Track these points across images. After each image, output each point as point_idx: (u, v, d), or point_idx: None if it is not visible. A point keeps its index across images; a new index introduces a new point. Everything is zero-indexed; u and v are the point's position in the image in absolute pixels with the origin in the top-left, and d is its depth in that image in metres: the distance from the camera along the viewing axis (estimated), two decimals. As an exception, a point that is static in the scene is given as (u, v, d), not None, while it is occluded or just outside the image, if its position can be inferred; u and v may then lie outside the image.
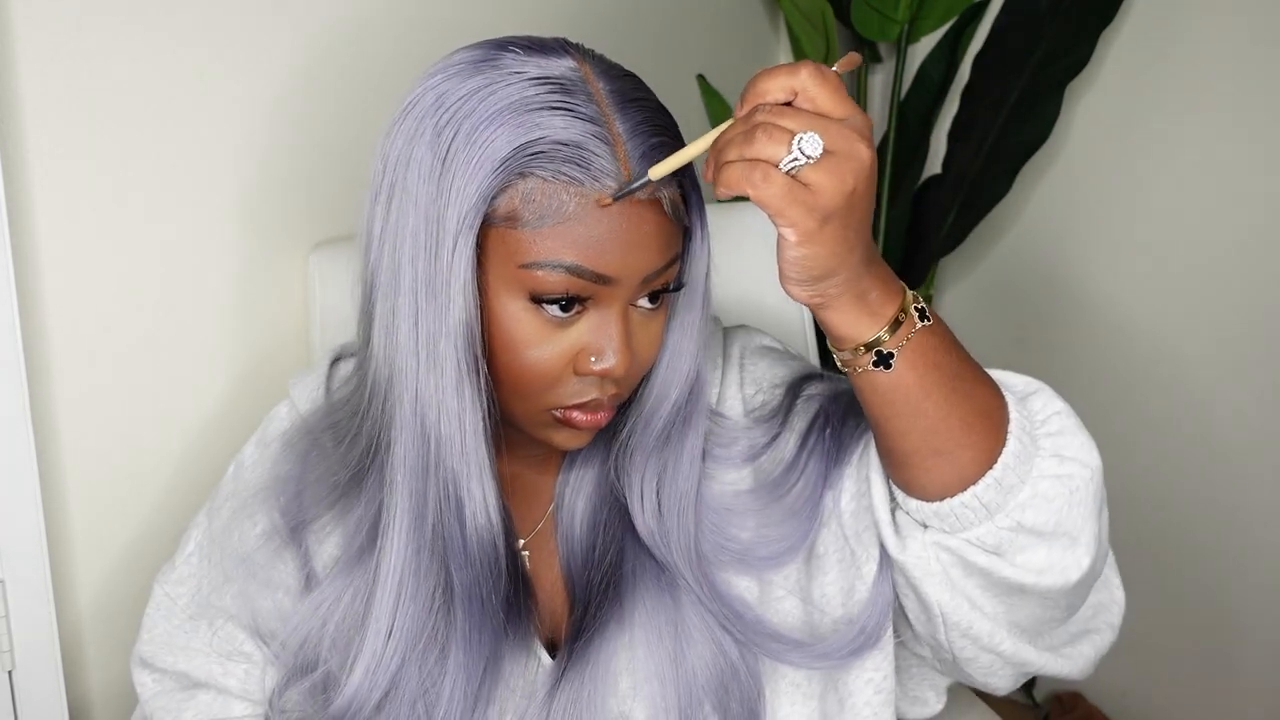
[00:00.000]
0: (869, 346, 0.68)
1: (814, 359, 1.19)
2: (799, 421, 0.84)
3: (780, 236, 0.63)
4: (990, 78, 1.54)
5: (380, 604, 0.77)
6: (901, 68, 1.62)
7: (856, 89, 1.72)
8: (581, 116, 0.68)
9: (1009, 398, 0.73)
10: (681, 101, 1.67)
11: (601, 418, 0.75)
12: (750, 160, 0.61)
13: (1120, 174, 1.56)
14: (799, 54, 1.70)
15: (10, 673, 1.00)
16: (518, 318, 0.71)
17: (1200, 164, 1.47)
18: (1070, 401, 0.75)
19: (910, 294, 0.70)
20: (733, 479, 0.83)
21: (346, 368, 0.91)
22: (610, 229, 0.69)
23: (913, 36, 1.62)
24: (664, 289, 0.74)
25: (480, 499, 0.75)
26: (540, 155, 0.68)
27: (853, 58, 0.66)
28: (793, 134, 0.61)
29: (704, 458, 0.83)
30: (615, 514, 0.83)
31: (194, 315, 1.11)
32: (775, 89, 0.63)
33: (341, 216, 1.20)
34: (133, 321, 1.06)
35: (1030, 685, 1.79)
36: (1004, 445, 0.70)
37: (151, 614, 0.88)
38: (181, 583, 0.87)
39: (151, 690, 0.86)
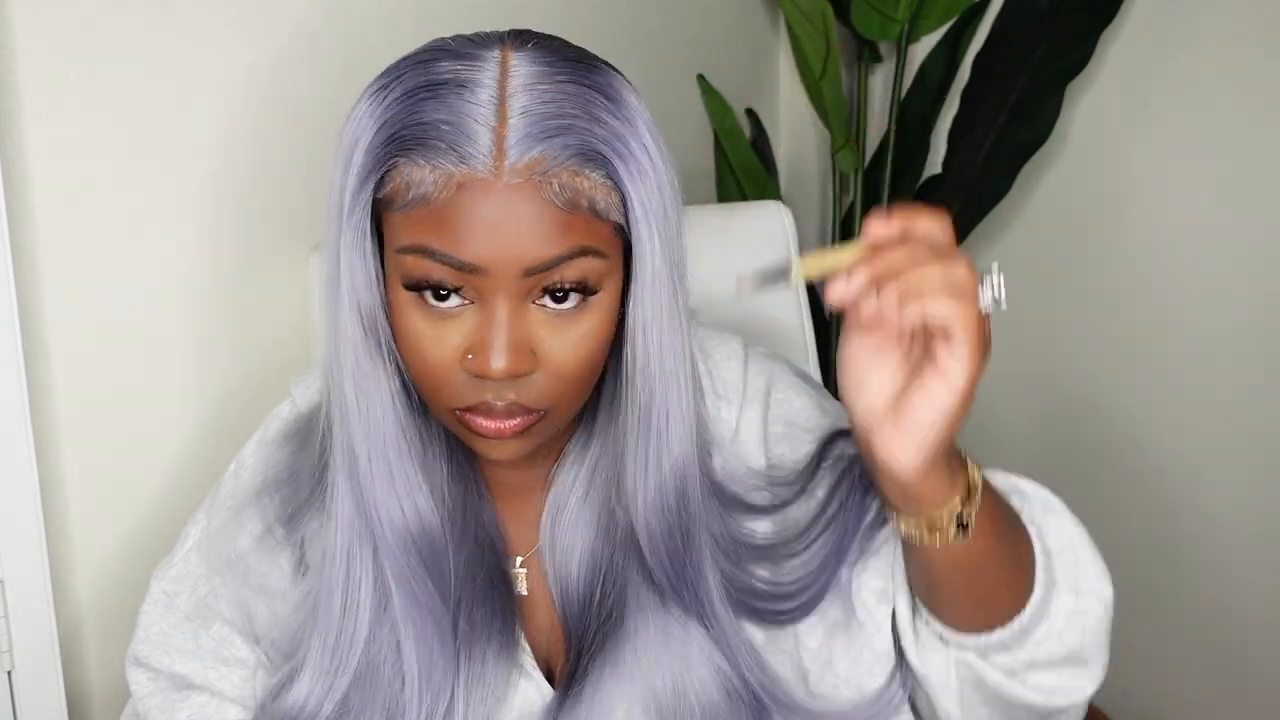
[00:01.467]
0: (951, 515, 0.67)
1: (815, 371, 1.18)
2: (822, 486, 0.81)
3: (946, 386, 0.62)
4: (990, 78, 1.54)
5: (330, 585, 0.76)
6: (901, 68, 1.61)
7: (856, 89, 1.72)
8: (467, 99, 0.66)
9: (1034, 539, 0.73)
10: (681, 101, 1.67)
11: (508, 427, 0.70)
12: (958, 292, 0.60)
13: (1120, 174, 1.55)
14: (799, 54, 1.70)
15: (10, 673, 1.00)
16: (404, 306, 0.69)
17: (1200, 163, 1.47)
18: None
19: (972, 461, 0.69)
20: (747, 529, 0.80)
21: None
22: (477, 215, 0.65)
23: (913, 36, 1.62)
24: (568, 289, 0.68)
25: (386, 485, 0.73)
26: (410, 138, 0.66)
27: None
28: (980, 275, 0.61)
29: (716, 499, 0.78)
30: (619, 562, 0.79)
31: (194, 315, 1.11)
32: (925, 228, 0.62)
33: (341, 216, 1.20)
34: (133, 322, 1.06)
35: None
36: (1031, 593, 0.72)
37: (148, 610, 0.86)
38: (179, 580, 0.86)
39: (146, 689, 0.85)
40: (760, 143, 1.79)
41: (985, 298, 0.60)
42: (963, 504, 0.67)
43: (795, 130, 1.88)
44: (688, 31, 1.63)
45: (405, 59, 0.70)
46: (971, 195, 1.55)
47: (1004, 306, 0.59)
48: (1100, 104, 1.56)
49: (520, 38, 0.70)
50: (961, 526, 0.67)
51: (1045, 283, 1.66)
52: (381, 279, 0.71)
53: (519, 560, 0.83)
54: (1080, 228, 1.61)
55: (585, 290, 0.69)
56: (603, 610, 0.78)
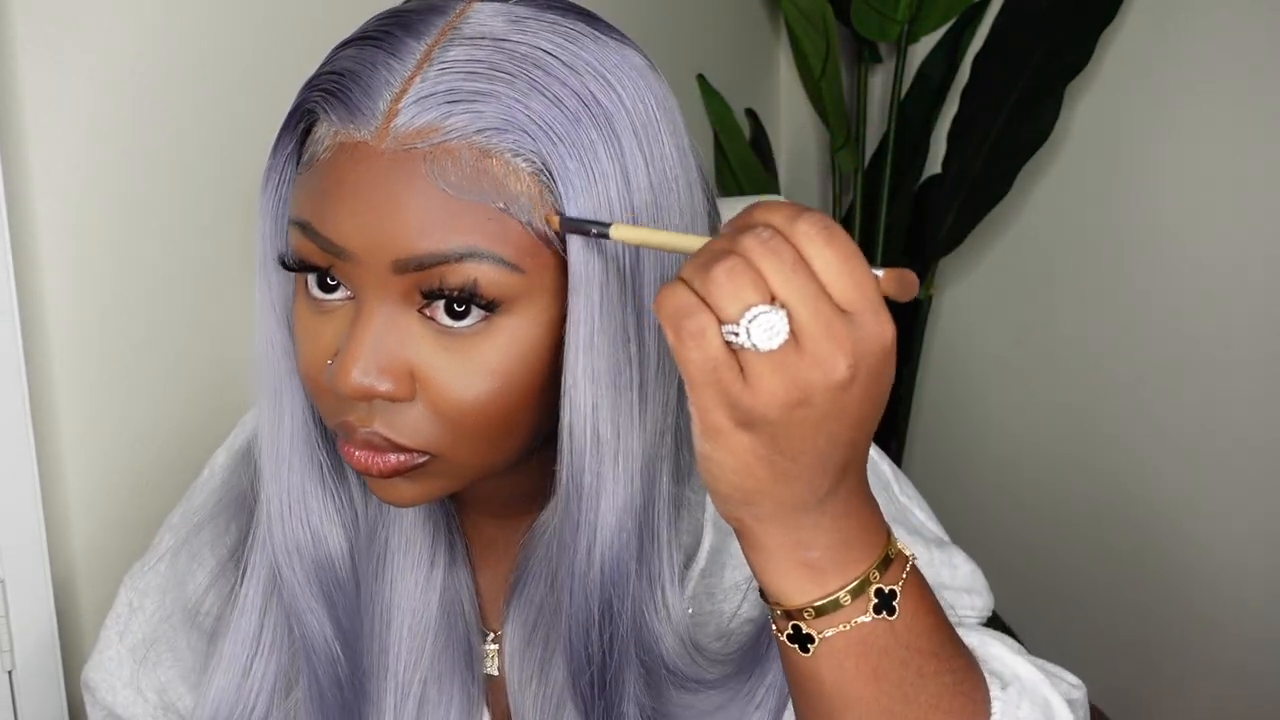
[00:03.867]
0: (788, 615, 0.50)
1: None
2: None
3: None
4: (990, 78, 1.54)
5: (233, 642, 0.66)
6: (901, 68, 1.62)
7: (856, 89, 1.72)
8: (385, 48, 0.54)
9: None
10: (681, 101, 1.67)
11: (375, 464, 0.55)
12: (698, 299, 0.45)
13: (1120, 174, 1.56)
14: (799, 54, 1.70)
15: (10, 673, 1.00)
16: (298, 294, 0.59)
17: (1201, 163, 1.47)
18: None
19: (892, 565, 0.51)
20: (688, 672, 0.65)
21: None
22: (349, 184, 0.53)
23: (913, 36, 1.62)
24: (453, 297, 0.53)
25: (293, 519, 0.62)
26: (317, 88, 0.56)
27: (908, 281, 0.46)
28: (759, 299, 0.44)
29: (657, 625, 0.61)
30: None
31: (196, 314, 1.11)
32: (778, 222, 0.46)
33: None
34: (134, 321, 1.06)
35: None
36: None
37: (109, 626, 0.74)
38: (146, 594, 0.74)
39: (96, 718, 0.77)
40: (760, 143, 1.79)
41: (730, 327, 0.45)
42: (809, 619, 0.50)
43: (795, 130, 1.89)
44: (688, 31, 1.63)
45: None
46: (971, 195, 1.55)
47: (760, 348, 0.45)
48: (1100, 104, 1.56)
49: None
50: (801, 639, 0.50)
51: (1044, 283, 1.66)
52: None
53: (490, 635, 0.69)
54: (1080, 228, 1.61)
55: (478, 304, 0.53)
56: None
